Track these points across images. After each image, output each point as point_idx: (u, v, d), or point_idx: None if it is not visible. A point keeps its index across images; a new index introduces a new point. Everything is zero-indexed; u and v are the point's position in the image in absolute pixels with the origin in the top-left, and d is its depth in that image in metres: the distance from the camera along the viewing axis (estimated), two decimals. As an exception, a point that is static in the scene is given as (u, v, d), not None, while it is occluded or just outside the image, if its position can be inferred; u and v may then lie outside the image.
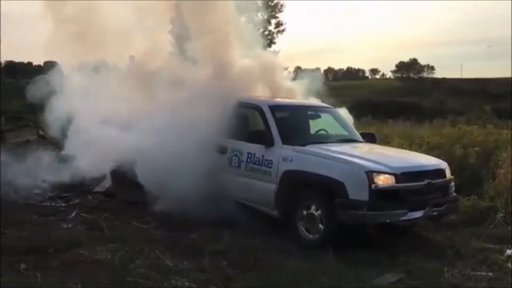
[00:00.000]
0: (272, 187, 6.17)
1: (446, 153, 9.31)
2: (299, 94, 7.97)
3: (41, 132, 10.36)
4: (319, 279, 4.74)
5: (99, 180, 8.25)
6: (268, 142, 6.38)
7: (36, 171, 8.25)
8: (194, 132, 6.62)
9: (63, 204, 7.60)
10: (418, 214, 5.77)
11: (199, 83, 7.08)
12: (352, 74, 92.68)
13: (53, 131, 9.31)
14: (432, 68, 73.80)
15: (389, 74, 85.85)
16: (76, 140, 8.44)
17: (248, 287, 4.57)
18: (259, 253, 5.37)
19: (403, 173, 5.67)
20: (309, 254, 5.36)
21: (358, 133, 7.44)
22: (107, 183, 8.10)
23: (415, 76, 72.59)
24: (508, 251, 5.83)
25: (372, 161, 5.79)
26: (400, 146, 9.90)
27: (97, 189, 8.14)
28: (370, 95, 48.00)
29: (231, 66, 7.31)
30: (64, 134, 8.82)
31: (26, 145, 9.71)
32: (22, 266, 4.87)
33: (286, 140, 6.33)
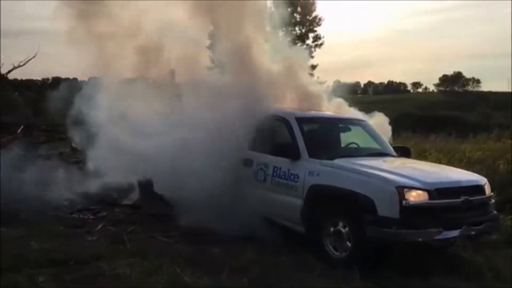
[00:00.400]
0: (298, 202, 5.94)
1: (488, 168, 8.85)
2: (332, 106, 7.74)
3: (74, 145, 10.49)
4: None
5: (127, 192, 8.22)
6: (294, 155, 6.17)
7: (66, 183, 8.31)
8: (219, 145, 6.50)
9: (91, 217, 7.57)
10: (454, 233, 5.39)
11: (226, 95, 6.95)
12: (394, 88, 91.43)
13: (86, 143, 9.39)
14: (478, 81, 71.86)
15: (431, 88, 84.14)
16: (106, 152, 8.45)
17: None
18: (282, 270, 5.15)
19: (437, 189, 5.34)
20: (334, 273, 5.10)
21: (391, 147, 7.12)
22: (135, 196, 8.05)
23: (460, 90, 70.73)
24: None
25: (403, 176, 5.48)
26: (438, 160, 9.47)
27: (125, 201, 8.10)
28: (412, 109, 46.90)
29: (260, 78, 7.16)
30: (95, 146, 8.86)
31: (58, 157, 9.84)
32: (41, 278, 4.81)
33: (313, 154, 6.10)
